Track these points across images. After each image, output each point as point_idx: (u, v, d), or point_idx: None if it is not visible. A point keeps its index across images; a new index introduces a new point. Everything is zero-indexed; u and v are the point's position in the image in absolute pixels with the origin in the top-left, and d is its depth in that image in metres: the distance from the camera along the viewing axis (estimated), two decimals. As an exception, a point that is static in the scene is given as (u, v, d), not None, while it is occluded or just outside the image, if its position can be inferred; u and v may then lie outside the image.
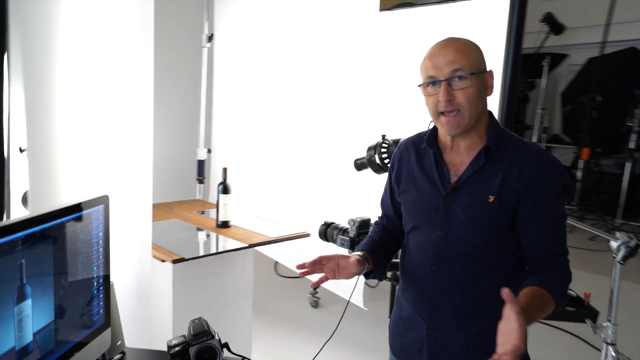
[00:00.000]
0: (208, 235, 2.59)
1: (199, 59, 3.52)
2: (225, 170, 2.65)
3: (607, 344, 1.86)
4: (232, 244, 2.45)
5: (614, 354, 1.84)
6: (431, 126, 1.33)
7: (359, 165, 2.03)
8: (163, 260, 2.19)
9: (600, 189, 7.10)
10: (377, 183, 2.43)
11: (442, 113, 1.21)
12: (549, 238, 1.21)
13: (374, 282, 3.83)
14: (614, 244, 1.78)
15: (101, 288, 1.49)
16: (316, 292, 3.80)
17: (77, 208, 1.34)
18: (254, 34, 3.40)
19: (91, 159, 1.89)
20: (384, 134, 1.94)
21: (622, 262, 1.76)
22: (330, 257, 1.32)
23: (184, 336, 1.53)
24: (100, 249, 1.47)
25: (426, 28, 2.45)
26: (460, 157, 1.28)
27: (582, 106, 6.72)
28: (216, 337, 1.52)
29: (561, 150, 8.35)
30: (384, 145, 1.90)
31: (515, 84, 2.17)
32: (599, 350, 3.16)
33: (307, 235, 2.67)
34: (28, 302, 1.17)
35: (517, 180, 1.20)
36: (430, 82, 1.22)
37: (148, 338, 2.11)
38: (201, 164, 3.54)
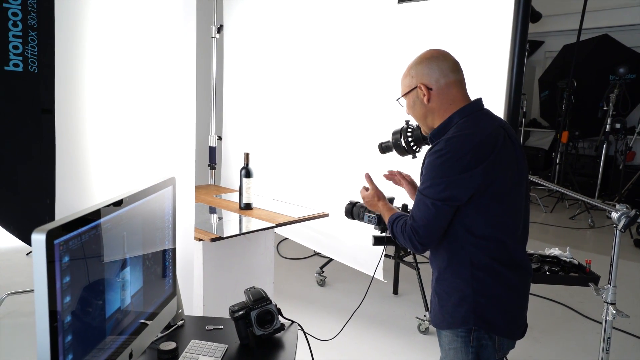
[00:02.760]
0: (238, 217, 2.75)
1: (209, 49, 3.64)
2: (247, 155, 2.80)
3: (608, 303, 2.10)
4: (259, 224, 2.61)
5: (614, 311, 2.08)
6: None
7: (384, 148, 2.19)
8: (200, 239, 2.34)
9: (577, 171, 7.45)
10: (393, 165, 2.62)
11: None
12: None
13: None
14: (614, 215, 2.00)
15: (170, 260, 1.64)
16: (322, 272, 3.99)
17: (156, 188, 1.49)
18: (268, 22, 3.53)
19: (139, 147, 2.03)
20: (407, 119, 2.11)
21: (622, 230, 1.99)
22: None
23: (243, 302, 1.71)
24: (170, 225, 1.62)
25: (444, 19, 2.62)
26: None
27: (560, 91, 7.02)
28: (273, 303, 1.70)
29: (540, 134, 8.70)
30: (409, 130, 2.08)
31: (521, 71, 2.39)
32: (589, 318, 3.47)
33: (326, 215, 2.85)
34: (127, 269, 1.32)
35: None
36: None
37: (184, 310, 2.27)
38: (212, 151, 3.67)
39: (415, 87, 1.55)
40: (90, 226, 1.10)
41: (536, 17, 7.96)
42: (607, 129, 6.48)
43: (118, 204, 1.26)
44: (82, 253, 1.07)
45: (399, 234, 1.55)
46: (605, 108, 6.54)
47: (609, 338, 2.14)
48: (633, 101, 6.96)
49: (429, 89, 1.53)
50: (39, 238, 0.93)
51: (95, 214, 1.13)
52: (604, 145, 6.55)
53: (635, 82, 7.20)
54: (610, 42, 7.40)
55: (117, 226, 1.25)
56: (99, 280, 1.16)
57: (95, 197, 2.01)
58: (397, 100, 1.66)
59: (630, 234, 5.50)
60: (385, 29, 2.85)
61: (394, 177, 1.95)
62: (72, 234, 1.02)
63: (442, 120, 1.54)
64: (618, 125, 6.43)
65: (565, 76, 6.75)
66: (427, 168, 1.47)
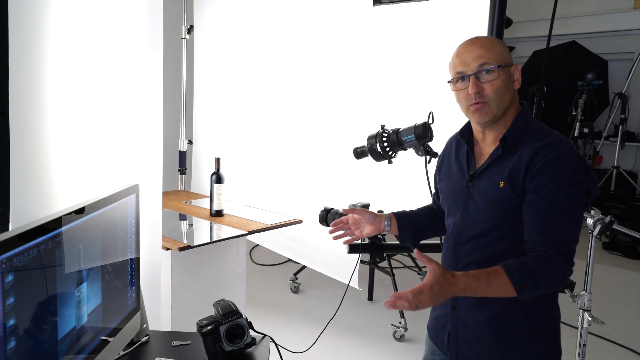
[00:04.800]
0: (209, 224, 2.66)
1: (179, 50, 3.53)
2: (218, 160, 2.71)
3: (584, 310, 2.08)
4: (230, 231, 2.52)
5: (589, 318, 2.06)
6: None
7: (359, 153, 2.13)
8: (168, 249, 2.24)
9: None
10: (368, 170, 2.57)
11: (472, 104, 1.30)
12: (541, 226, 1.21)
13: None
14: (590, 221, 1.98)
15: (133, 273, 1.55)
16: (296, 278, 3.91)
17: (117, 196, 1.40)
18: (240, 23, 3.44)
19: (102, 151, 1.92)
20: (382, 124, 2.06)
21: (598, 236, 1.97)
22: (348, 217, 1.59)
23: (212, 316, 1.62)
24: (133, 236, 1.52)
25: (420, 22, 2.58)
26: (487, 148, 1.36)
27: (530, 96, 7.10)
28: (243, 316, 1.62)
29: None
30: (384, 134, 2.02)
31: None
32: (562, 322, 3.47)
33: (300, 221, 2.77)
34: (84, 285, 1.22)
35: (525, 167, 1.23)
36: (459, 78, 1.30)
37: (150, 324, 2.16)
38: (182, 155, 3.56)
39: (511, 65, 1.30)
40: (40, 240, 1.00)
41: (507, 23, 8.09)
42: (575, 134, 6.59)
43: (79, 212, 1.17)
44: (29, 270, 0.97)
45: (546, 277, 1.18)
46: (574, 113, 6.66)
47: (584, 345, 2.12)
48: (600, 106, 7.10)
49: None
50: (-24, 256, 0.83)
51: (47, 227, 1.04)
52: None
53: (601, 87, 7.34)
54: (578, 49, 7.54)
55: (72, 239, 1.15)
56: (50, 299, 1.06)
57: (54, 205, 1.88)
58: (491, 67, 1.27)
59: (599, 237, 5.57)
60: (359, 31, 2.80)
61: (345, 225, 1.62)
62: (17, 250, 0.92)
63: (510, 116, 1.32)
64: (586, 130, 6.55)
65: (536, 81, 6.83)
66: (554, 173, 1.20)
